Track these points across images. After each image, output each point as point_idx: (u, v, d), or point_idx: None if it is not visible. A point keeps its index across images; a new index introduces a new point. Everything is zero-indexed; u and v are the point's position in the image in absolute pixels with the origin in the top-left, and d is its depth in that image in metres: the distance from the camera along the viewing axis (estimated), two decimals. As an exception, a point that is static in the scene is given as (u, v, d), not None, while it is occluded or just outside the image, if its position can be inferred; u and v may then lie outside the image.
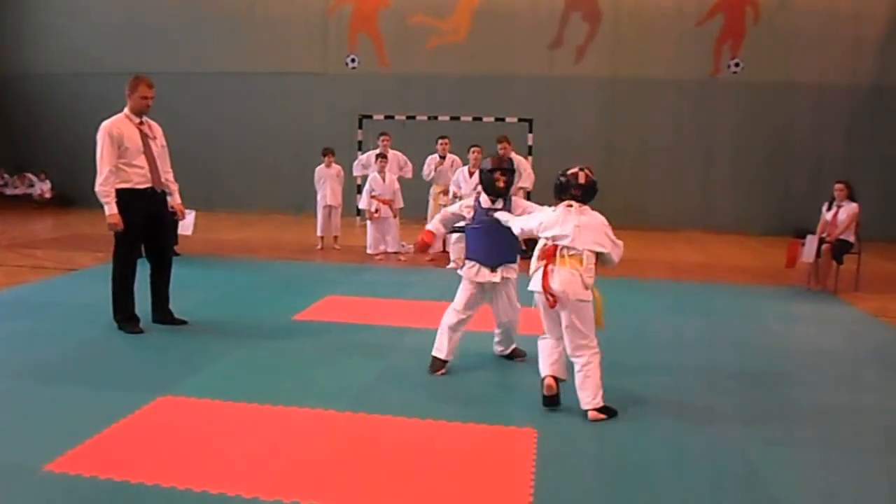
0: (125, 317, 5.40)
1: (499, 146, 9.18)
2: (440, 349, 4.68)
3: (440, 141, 9.87)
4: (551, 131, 13.46)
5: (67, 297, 6.56)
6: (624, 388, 4.50)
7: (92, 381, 4.38)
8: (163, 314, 5.63)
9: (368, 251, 9.62)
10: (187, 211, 9.23)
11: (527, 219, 4.40)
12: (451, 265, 8.53)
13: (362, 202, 9.83)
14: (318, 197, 10.18)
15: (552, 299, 3.97)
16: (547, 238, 4.09)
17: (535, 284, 4.04)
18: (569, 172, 4.23)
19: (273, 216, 14.11)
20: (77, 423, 3.67)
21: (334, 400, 4.08)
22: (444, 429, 3.75)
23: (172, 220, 5.85)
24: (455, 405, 4.08)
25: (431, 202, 9.66)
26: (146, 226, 5.35)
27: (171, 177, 5.55)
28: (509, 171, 4.72)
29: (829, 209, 8.12)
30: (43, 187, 15.61)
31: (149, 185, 5.32)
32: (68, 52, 15.23)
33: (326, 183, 10.13)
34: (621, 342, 5.56)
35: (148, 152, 5.31)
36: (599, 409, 3.95)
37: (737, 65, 13.84)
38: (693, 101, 13.88)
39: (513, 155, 9.31)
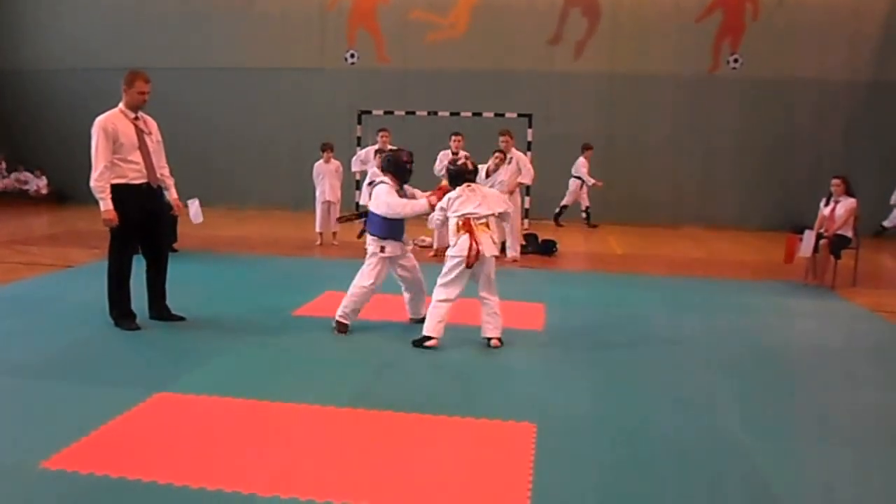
0: (122, 313, 5.38)
1: (500, 139, 9.20)
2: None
3: (453, 137, 9.69)
4: (551, 127, 13.44)
5: (64, 294, 6.54)
6: (622, 382, 4.52)
7: (89, 377, 4.37)
8: (159, 310, 5.61)
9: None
10: (191, 200, 9.27)
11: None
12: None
13: (363, 197, 9.77)
14: (317, 192, 10.17)
15: (473, 258, 5.01)
16: (459, 217, 5.14)
17: (462, 250, 5.05)
18: (458, 163, 5.47)
19: (271, 212, 14.09)
20: (74, 419, 3.66)
21: (333, 396, 4.08)
22: (443, 424, 3.75)
23: (169, 215, 5.82)
24: (454, 400, 4.09)
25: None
26: (142, 222, 5.32)
27: (166, 172, 5.51)
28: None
29: (826, 204, 8.13)
30: (39, 183, 15.57)
31: (144, 180, 5.28)
32: (65, 48, 15.19)
33: (325, 178, 10.11)
34: (621, 338, 5.59)
35: (143, 148, 5.27)
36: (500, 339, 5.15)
37: (736, 61, 13.82)
38: (692, 98, 13.86)
39: (513, 150, 9.34)
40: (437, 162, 9.75)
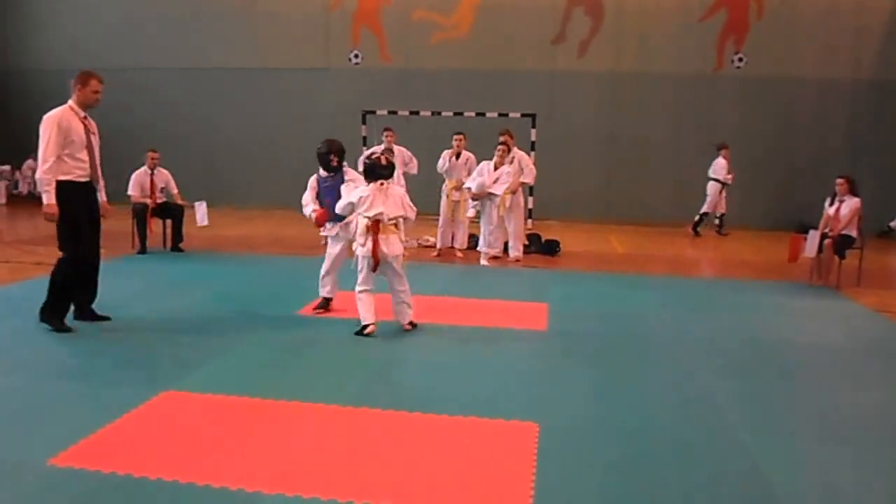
0: (58, 314, 5.27)
1: (500, 138, 9.22)
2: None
3: (455, 137, 9.76)
4: (554, 126, 13.45)
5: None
6: (626, 382, 4.53)
7: (96, 375, 4.40)
8: (84, 310, 5.52)
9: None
10: (198, 202, 9.32)
11: (346, 195, 5.55)
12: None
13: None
14: (321, 192, 10.17)
15: (375, 263, 5.24)
16: (368, 217, 5.23)
17: (368, 251, 5.26)
18: (373, 157, 5.57)
19: (276, 211, 14.12)
20: (81, 417, 3.68)
21: (337, 394, 4.10)
22: (446, 423, 3.76)
23: (99, 216, 5.61)
24: (456, 399, 4.09)
25: (444, 198, 9.61)
26: (83, 218, 5.28)
27: (99, 173, 5.47)
28: (342, 152, 5.96)
29: (831, 204, 8.12)
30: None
31: (88, 179, 5.29)
32: (68, 48, 15.23)
33: (329, 178, 10.11)
34: (623, 338, 5.59)
35: (90, 147, 5.28)
36: (413, 324, 5.50)
37: (740, 59, 13.81)
38: (696, 97, 13.85)
39: (515, 150, 9.35)
40: (441, 160, 9.77)
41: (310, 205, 5.98)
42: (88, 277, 5.50)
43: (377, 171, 5.36)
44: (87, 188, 5.33)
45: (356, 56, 14.78)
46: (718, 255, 10.43)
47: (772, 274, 8.72)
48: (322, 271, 6.07)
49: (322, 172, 6.00)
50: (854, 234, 7.95)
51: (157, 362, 4.69)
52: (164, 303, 6.36)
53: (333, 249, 6.03)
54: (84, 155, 5.25)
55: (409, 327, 5.51)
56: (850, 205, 7.93)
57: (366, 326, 5.32)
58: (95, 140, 5.39)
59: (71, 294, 5.36)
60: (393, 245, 5.29)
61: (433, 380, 4.49)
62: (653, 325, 6.01)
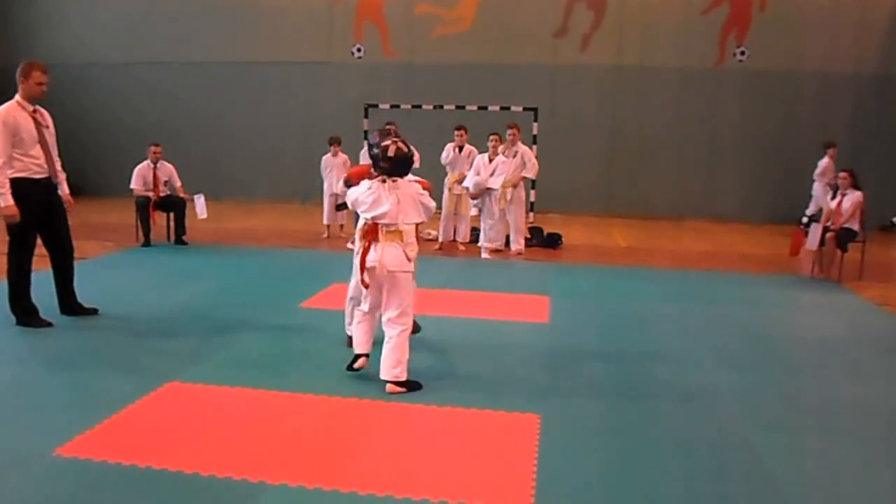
0: (25, 311, 5.20)
1: (508, 132, 9.23)
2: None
3: (457, 132, 9.77)
4: (556, 120, 13.45)
5: (77, 286, 6.58)
6: (627, 374, 4.54)
7: (100, 367, 4.43)
8: (70, 305, 5.49)
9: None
10: (196, 195, 9.37)
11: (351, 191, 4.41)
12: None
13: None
14: (325, 186, 10.24)
15: (363, 279, 4.13)
16: (367, 218, 4.14)
17: (371, 260, 4.11)
18: (382, 144, 4.16)
19: (279, 205, 14.16)
20: (86, 408, 3.72)
21: (340, 386, 4.13)
22: (448, 415, 3.78)
23: (64, 209, 5.48)
24: (458, 391, 4.11)
25: (446, 191, 9.63)
26: (42, 216, 5.16)
27: (59, 166, 5.29)
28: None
29: (833, 197, 8.13)
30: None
31: (45, 175, 5.10)
32: (72, 43, 15.22)
33: (333, 172, 10.17)
34: (625, 330, 5.60)
35: (43, 141, 5.06)
36: (399, 383, 4.06)
37: (742, 53, 13.77)
38: (698, 90, 13.82)
39: (519, 144, 9.36)
40: (444, 152, 9.79)
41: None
42: (60, 272, 5.42)
43: (380, 165, 4.20)
44: (45, 184, 5.12)
45: (359, 50, 14.78)
46: (720, 249, 10.43)
47: (774, 267, 8.72)
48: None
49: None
50: (856, 227, 7.96)
51: (161, 354, 4.71)
52: (168, 295, 6.38)
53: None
54: (37, 151, 5.02)
55: (391, 388, 4.05)
56: (852, 198, 7.93)
57: (356, 358, 4.31)
58: (50, 133, 5.16)
59: (27, 290, 5.19)
60: (392, 256, 4.08)
61: (435, 372, 4.51)
62: (654, 318, 6.01)
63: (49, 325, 5.20)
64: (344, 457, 3.28)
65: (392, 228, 4.09)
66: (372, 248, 4.10)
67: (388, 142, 4.13)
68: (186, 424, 3.59)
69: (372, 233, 4.11)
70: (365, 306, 4.30)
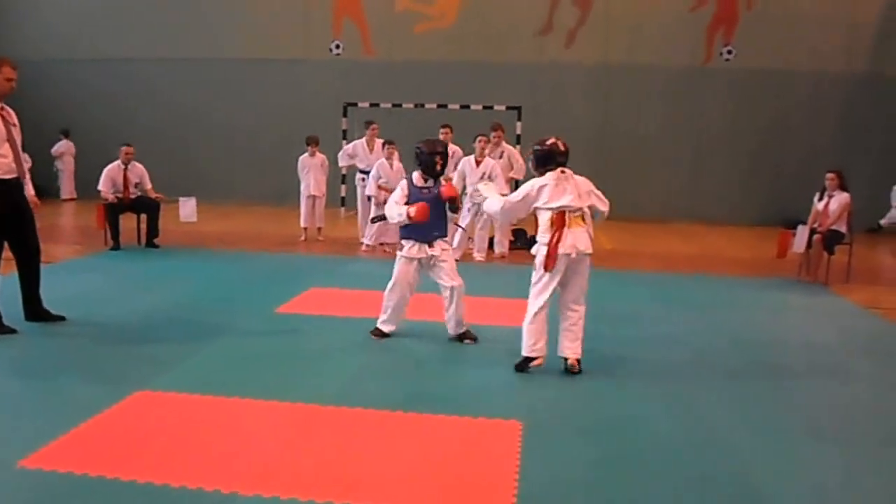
0: None
1: (492, 133, 9.07)
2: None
3: (442, 130, 9.45)
4: (540, 119, 13.26)
5: (43, 291, 6.33)
6: (612, 379, 4.48)
7: (66, 375, 4.30)
8: (35, 311, 5.31)
9: (368, 242, 9.19)
10: (186, 198, 9.07)
11: (511, 194, 4.72)
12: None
13: (369, 188, 9.23)
14: (302, 187, 9.97)
15: (552, 262, 4.36)
16: (552, 209, 4.40)
17: (567, 247, 4.39)
18: (548, 143, 4.54)
19: (255, 207, 13.85)
20: (53, 417, 3.62)
21: (317, 394, 4.03)
22: (429, 422, 3.72)
23: (31, 210, 5.33)
24: (439, 398, 4.05)
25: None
26: (10, 218, 5.00)
27: (25, 167, 5.19)
28: (444, 154, 5.19)
29: (820, 199, 8.03)
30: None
31: (14, 175, 4.97)
32: (43, 37, 14.83)
33: (310, 173, 9.91)
34: (608, 334, 5.49)
35: (11, 140, 4.91)
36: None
37: (729, 52, 13.70)
38: (685, 89, 13.73)
39: (504, 145, 9.19)
40: None
41: (402, 207, 5.02)
42: (26, 275, 5.26)
43: (555, 159, 4.51)
44: (13, 184, 4.99)
45: (337, 47, 14.52)
46: (707, 252, 10.35)
47: (760, 270, 8.64)
48: (390, 285, 5.15)
49: (416, 179, 5.13)
50: (843, 229, 7.87)
51: (129, 362, 4.60)
52: (137, 300, 6.22)
53: (404, 269, 5.13)
54: (6, 149, 4.91)
55: (574, 364, 4.56)
56: (839, 200, 7.84)
57: (530, 360, 4.53)
58: (17, 131, 5.03)
59: None
60: (582, 240, 4.43)
61: (414, 378, 4.43)
62: (640, 322, 5.94)
63: (13, 331, 5.04)
64: (321, 466, 3.17)
65: (577, 214, 4.43)
66: (566, 235, 4.39)
67: (553, 139, 4.55)
68: (156, 434, 3.47)
69: (559, 221, 4.38)
70: (546, 297, 4.48)
